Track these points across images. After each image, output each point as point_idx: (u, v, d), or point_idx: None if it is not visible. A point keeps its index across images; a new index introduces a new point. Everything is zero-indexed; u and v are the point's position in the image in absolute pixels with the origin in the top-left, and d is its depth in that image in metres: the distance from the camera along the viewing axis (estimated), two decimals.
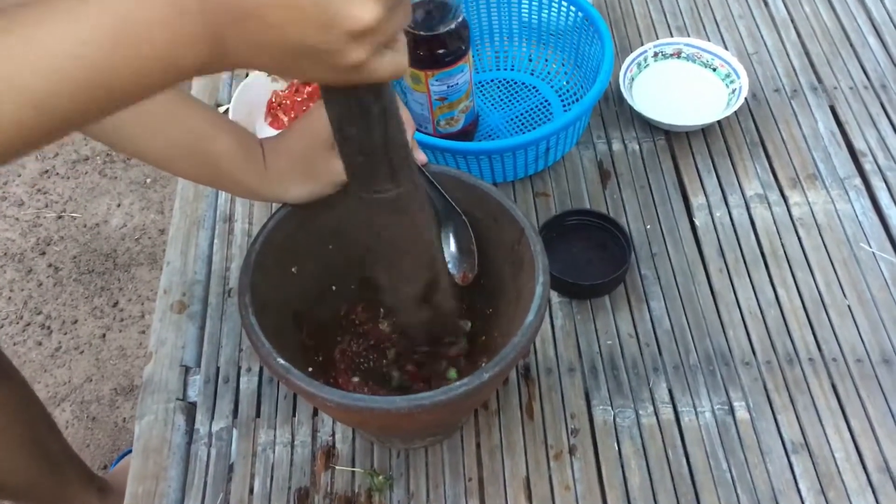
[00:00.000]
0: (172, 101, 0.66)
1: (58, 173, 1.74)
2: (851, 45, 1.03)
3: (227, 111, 0.99)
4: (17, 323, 1.51)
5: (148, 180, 1.71)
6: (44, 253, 1.60)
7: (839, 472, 0.71)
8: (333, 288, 0.75)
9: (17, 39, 0.39)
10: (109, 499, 1.15)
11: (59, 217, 1.66)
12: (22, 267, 1.59)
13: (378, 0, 0.41)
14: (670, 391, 0.77)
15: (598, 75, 0.87)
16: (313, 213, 0.70)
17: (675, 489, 0.71)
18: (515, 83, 1.02)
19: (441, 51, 0.84)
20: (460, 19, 0.84)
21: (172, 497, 0.73)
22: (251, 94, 0.99)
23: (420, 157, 0.71)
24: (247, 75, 1.01)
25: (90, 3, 0.40)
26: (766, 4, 1.08)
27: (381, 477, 0.72)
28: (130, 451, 1.28)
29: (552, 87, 1.01)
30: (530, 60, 1.03)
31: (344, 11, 0.40)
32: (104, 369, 1.43)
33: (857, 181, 0.90)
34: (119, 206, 1.67)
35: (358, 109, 0.51)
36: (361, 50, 0.42)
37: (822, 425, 0.74)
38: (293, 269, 0.71)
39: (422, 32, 0.82)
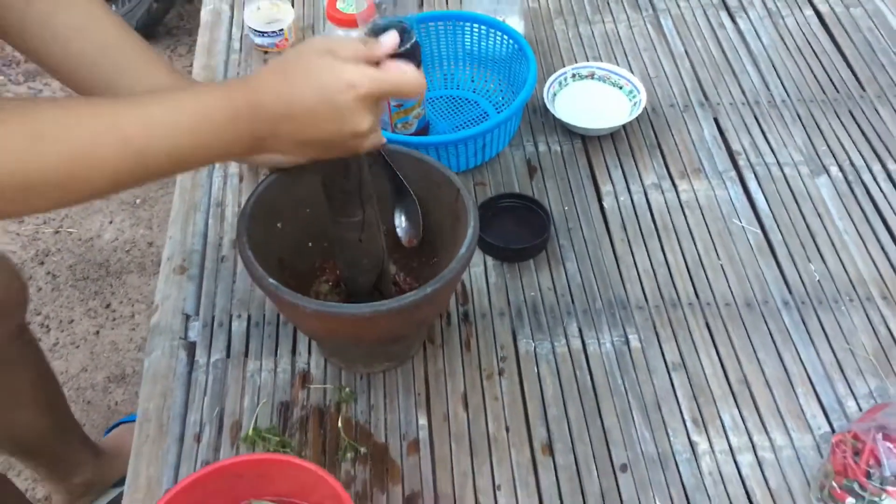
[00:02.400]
0: (87, 12, 0.71)
1: None
2: (733, 71, 1.27)
3: None
4: None
5: (137, 200, 1.89)
6: (42, 263, 1.77)
7: (708, 384, 0.91)
8: (310, 244, 0.94)
9: (130, 110, 0.58)
10: (102, 459, 1.30)
11: (57, 232, 1.83)
12: (23, 275, 1.74)
13: (370, 114, 0.64)
14: (579, 328, 0.96)
15: (524, 87, 1.09)
16: (294, 181, 0.89)
17: (580, 398, 0.90)
18: (460, 99, 1.24)
19: None
20: (413, 41, 1.05)
21: (178, 411, 0.90)
22: None
23: (381, 139, 0.91)
24: None
25: (185, 100, 0.59)
26: (666, 40, 1.32)
27: (347, 390, 0.90)
28: (120, 423, 1.44)
29: (490, 101, 1.23)
30: (472, 81, 1.25)
31: (350, 120, 0.63)
32: (98, 361, 1.58)
33: (733, 174, 1.12)
34: (111, 222, 1.85)
35: (342, 166, 0.76)
36: (359, 141, 0.66)
37: (696, 351, 0.93)
38: (278, 225, 0.90)
39: None
